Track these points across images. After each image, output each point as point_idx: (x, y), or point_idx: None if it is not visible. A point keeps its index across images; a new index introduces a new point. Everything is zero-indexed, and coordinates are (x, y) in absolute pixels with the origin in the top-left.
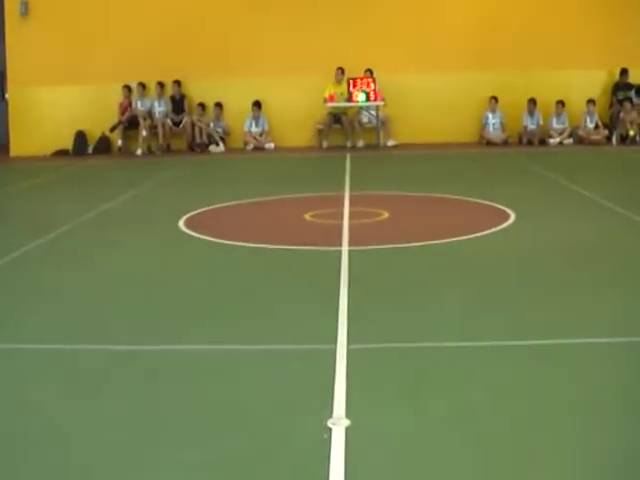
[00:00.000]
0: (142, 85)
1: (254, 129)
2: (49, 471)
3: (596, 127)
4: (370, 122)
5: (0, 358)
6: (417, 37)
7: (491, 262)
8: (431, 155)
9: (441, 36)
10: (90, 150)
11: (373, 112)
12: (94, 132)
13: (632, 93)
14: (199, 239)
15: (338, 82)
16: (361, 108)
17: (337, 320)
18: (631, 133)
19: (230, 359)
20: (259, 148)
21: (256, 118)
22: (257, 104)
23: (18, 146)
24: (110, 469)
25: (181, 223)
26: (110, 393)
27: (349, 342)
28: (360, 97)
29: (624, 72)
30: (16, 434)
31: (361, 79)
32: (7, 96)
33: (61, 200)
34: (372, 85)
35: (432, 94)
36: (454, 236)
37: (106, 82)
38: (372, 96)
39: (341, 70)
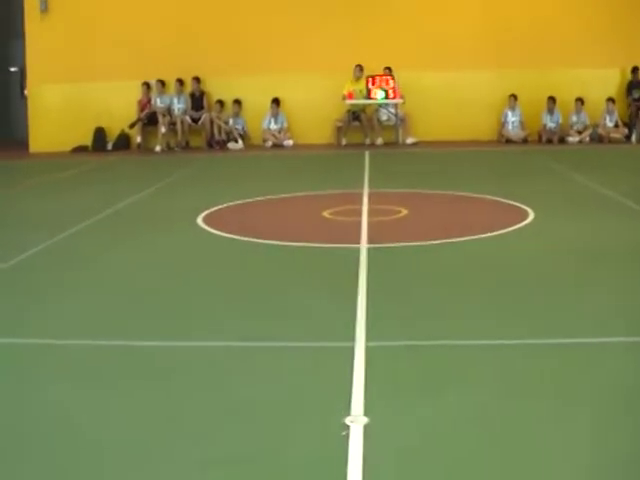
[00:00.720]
0: (161, 82)
1: (273, 126)
2: (65, 465)
3: (616, 125)
4: (389, 120)
5: (21, 353)
6: (436, 35)
7: (510, 260)
8: (450, 153)
9: (460, 34)
10: (109, 147)
11: (392, 110)
12: (113, 129)
13: None
14: (218, 236)
15: (357, 79)
16: (380, 105)
17: (355, 317)
18: None
19: (248, 355)
20: (278, 145)
21: (275, 115)
22: (276, 101)
23: (37, 142)
24: (126, 465)
25: (200, 220)
26: (128, 389)
27: (367, 339)
28: (379, 94)
29: (635, 70)
30: (32, 428)
31: (380, 76)
32: (26, 92)
33: (80, 196)
34: (391, 83)
35: (451, 92)
36: (473, 234)
37: (125, 79)
38: (391, 94)
39: (360, 67)
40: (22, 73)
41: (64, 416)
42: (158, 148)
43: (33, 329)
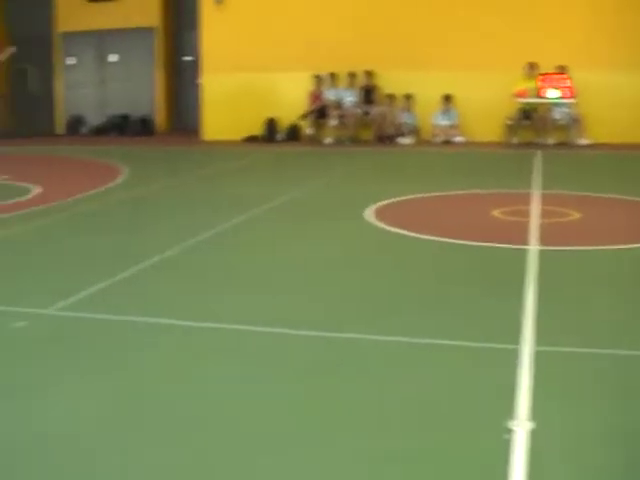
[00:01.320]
0: (333, 75)
1: (443, 122)
2: (215, 453)
3: None
4: (562, 119)
5: (187, 335)
6: (614, 32)
7: None
8: (626, 156)
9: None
10: (280, 137)
11: (565, 109)
12: (284, 120)
13: None
14: (385, 230)
15: (529, 77)
16: (553, 105)
17: (522, 320)
18: None
19: (410, 353)
20: (447, 141)
21: (446, 111)
22: (447, 97)
23: (210, 131)
24: (298, 458)
25: (368, 213)
26: (286, 379)
27: (535, 343)
28: (552, 93)
29: None
30: (183, 412)
31: (553, 75)
32: (200, 82)
33: (251, 185)
34: (565, 82)
35: (630, 92)
36: None
37: (297, 70)
38: (564, 93)
39: (531, 65)
40: (196, 63)
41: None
42: (328, 140)
43: (207, 313)
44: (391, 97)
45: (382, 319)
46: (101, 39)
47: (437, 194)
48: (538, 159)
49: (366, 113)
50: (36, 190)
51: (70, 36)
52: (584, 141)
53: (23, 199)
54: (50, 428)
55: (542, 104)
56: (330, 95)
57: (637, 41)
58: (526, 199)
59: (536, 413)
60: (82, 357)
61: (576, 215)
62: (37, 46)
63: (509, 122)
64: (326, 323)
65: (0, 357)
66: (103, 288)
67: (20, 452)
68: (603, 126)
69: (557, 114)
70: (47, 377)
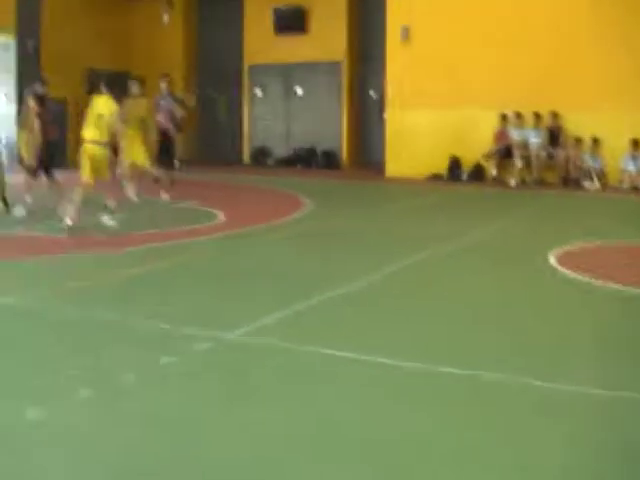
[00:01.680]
0: (518, 114)
1: (631, 168)
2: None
3: None
4: None
5: (345, 366)
6: None
7: None
8: None
9: None
10: (464, 177)
11: None
12: (468, 159)
13: None
14: (567, 276)
15: None
16: None
17: None
18: None
19: (605, 404)
20: (636, 188)
21: (634, 156)
22: (636, 142)
23: (394, 166)
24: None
25: (551, 258)
26: (481, 425)
27: None
28: None
29: None
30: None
31: None
32: (385, 117)
33: (433, 223)
34: None
35: None
36: None
37: (482, 109)
38: None
39: None
40: (381, 98)
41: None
42: (513, 182)
43: (377, 347)
44: (577, 140)
45: (573, 367)
46: (288, 72)
47: (623, 243)
48: None
49: (551, 155)
50: (223, 216)
51: (258, 68)
52: None
53: (212, 224)
54: (239, 449)
55: None
56: (515, 135)
57: None
58: None
59: None
60: (258, 383)
61: None
62: (226, 77)
63: None
64: (494, 364)
65: (178, 379)
66: (287, 316)
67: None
68: None
69: None
70: (219, 402)
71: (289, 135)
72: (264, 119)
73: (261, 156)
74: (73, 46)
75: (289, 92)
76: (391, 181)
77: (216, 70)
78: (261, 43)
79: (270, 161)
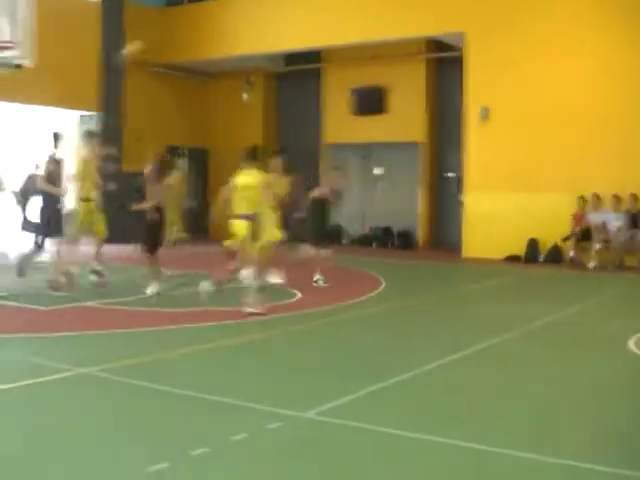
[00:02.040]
0: (597, 197)
1: None
2: None
3: None
4: None
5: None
6: None
7: None
8: None
9: None
10: (541, 258)
11: None
12: (546, 240)
13: None
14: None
15: None
16: None
17: None
18: None
19: None
20: None
21: None
22: None
23: (471, 248)
24: None
25: (630, 343)
26: None
27: None
28: None
29: None
30: None
31: None
32: (462, 198)
33: (509, 305)
34: None
35: None
36: None
37: (561, 191)
38: None
39: None
40: (458, 179)
41: None
42: (591, 264)
43: (467, 433)
44: None
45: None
46: (367, 151)
47: None
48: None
49: (632, 238)
50: (301, 294)
51: (337, 147)
52: None
53: (289, 302)
54: None
55: None
56: (594, 218)
57: None
58: None
59: None
60: (327, 464)
61: None
62: (305, 156)
63: None
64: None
65: (249, 457)
66: (359, 397)
67: None
68: None
69: None
70: None
71: (365, 214)
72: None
73: (337, 235)
74: (153, 124)
75: (367, 171)
76: (468, 262)
77: (295, 149)
78: (340, 123)
79: (346, 240)
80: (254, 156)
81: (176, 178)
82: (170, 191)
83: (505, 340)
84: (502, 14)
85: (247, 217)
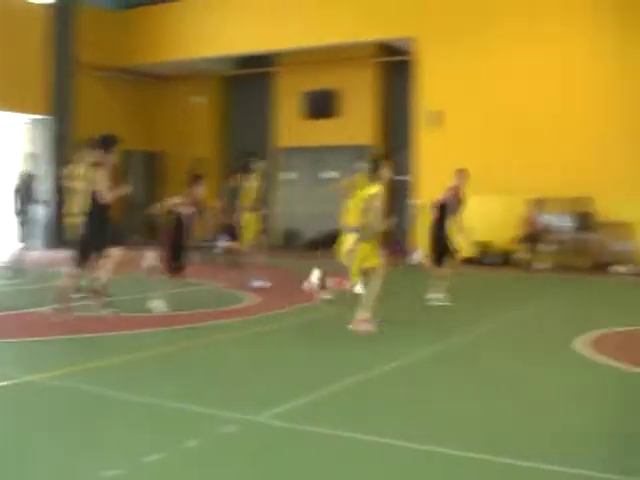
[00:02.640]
0: (547, 200)
1: None
2: None
3: None
4: None
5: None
6: None
7: None
8: None
9: None
10: (491, 261)
11: None
12: (497, 244)
13: None
14: (596, 362)
15: None
16: None
17: None
18: None
19: None
20: None
21: None
22: None
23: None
24: None
25: (579, 344)
26: None
27: None
28: None
29: None
30: None
31: None
32: (413, 201)
33: (458, 310)
34: None
35: None
36: None
37: (511, 194)
38: None
39: None
40: (409, 182)
41: None
42: (541, 266)
43: (414, 433)
44: (608, 224)
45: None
46: (317, 155)
47: None
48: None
49: (581, 240)
50: (251, 298)
51: (288, 151)
52: None
53: (238, 306)
54: None
55: None
56: (544, 220)
57: None
58: None
59: None
60: (283, 467)
61: None
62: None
63: None
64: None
65: (209, 459)
66: (311, 400)
67: None
68: None
69: None
70: None
71: (318, 217)
72: (294, 201)
73: (291, 238)
74: (104, 127)
75: (318, 175)
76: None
77: (246, 152)
78: (291, 126)
79: (300, 242)
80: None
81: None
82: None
83: (448, 347)
84: (453, 18)
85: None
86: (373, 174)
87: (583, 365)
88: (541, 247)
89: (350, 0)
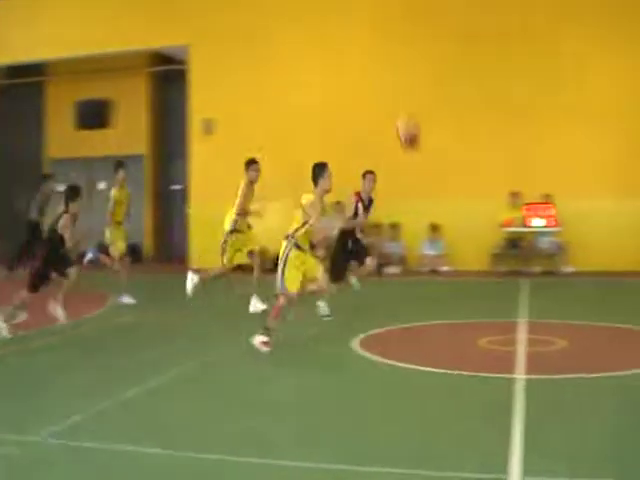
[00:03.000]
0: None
1: (430, 251)
2: None
3: None
4: (547, 248)
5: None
6: (596, 162)
7: None
8: (611, 283)
9: (625, 159)
10: (268, 266)
11: (550, 238)
12: (273, 248)
13: None
14: (371, 360)
15: (513, 207)
16: (538, 233)
17: (510, 449)
18: None
19: None
20: (435, 271)
21: (433, 240)
22: (434, 227)
23: (198, 258)
24: None
25: (355, 343)
26: None
27: (523, 473)
28: (537, 222)
29: None
30: None
31: (538, 204)
32: (188, 209)
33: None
34: (550, 210)
35: (614, 220)
36: (634, 368)
37: (283, 198)
38: (549, 221)
39: (515, 195)
40: (184, 191)
41: None
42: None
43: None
44: (377, 226)
45: (362, 449)
46: (90, 166)
47: (423, 324)
48: (524, 288)
49: None
50: (27, 315)
51: (60, 162)
52: (569, 269)
53: (14, 322)
54: None
55: (528, 233)
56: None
57: (619, 170)
58: (512, 328)
59: None
60: None
61: (562, 343)
62: (27, 171)
63: (496, 251)
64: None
65: None
66: (89, 416)
67: None
68: (586, 253)
69: (542, 243)
70: None
71: (93, 229)
72: None
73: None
74: None
75: (92, 186)
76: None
77: (18, 164)
78: (63, 137)
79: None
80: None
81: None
82: None
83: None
84: (227, 27)
85: None
86: None
87: (358, 363)
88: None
89: (125, 7)
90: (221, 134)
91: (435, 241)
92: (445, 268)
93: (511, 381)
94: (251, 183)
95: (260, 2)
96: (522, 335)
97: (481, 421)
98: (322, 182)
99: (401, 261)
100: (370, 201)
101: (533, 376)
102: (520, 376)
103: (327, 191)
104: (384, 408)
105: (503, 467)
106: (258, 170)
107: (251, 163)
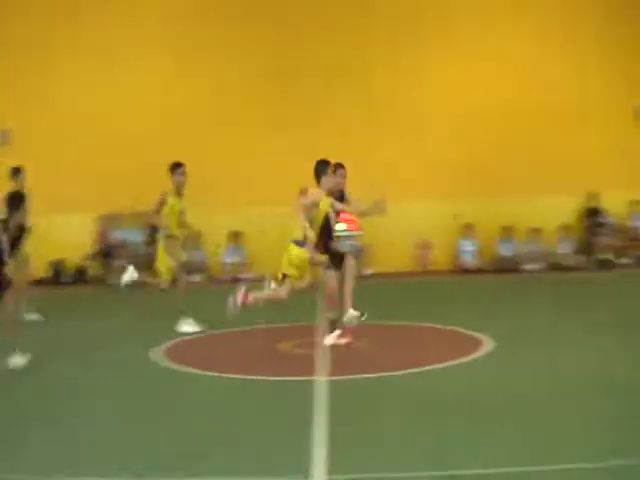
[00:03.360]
0: (118, 215)
1: (231, 259)
2: None
3: (571, 252)
4: (350, 252)
5: None
6: (391, 165)
7: (464, 390)
8: (407, 283)
9: (415, 164)
10: (66, 279)
11: (351, 241)
12: (71, 261)
13: (601, 218)
14: (171, 369)
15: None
16: (339, 237)
17: (311, 451)
18: (606, 257)
19: None
20: (237, 279)
21: (234, 248)
22: (235, 234)
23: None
24: None
25: (156, 352)
26: None
27: (326, 473)
28: (338, 227)
29: (593, 197)
30: None
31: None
32: None
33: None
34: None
35: (408, 222)
36: (429, 364)
37: (82, 211)
38: (350, 226)
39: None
40: None
41: None
42: (117, 281)
43: None
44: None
45: (169, 461)
46: None
47: (221, 331)
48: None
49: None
50: None
51: None
52: (367, 271)
53: None
54: None
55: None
56: (116, 235)
57: (412, 174)
58: (310, 331)
59: None
60: None
61: (360, 343)
62: None
63: None
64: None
65: None
66: None
67: None
68: (388, 255)
69: (344, 247)
70: None
71: None
72: None
73: None
74: None
75: None
76: None
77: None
78: None
79: None
80: None
81: None
82: None
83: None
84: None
85: None
86: None
87: (156, 372)
88: (114, 262)
89: None
90: (18, 145)
91: (236, 249)
92: (247, 275)
93: (311, 383)
94: (177, 190)
95: (36, 7)
96: (321, 338)
97: (282, 425)
98: (325, 180)
99: (203, 269)
100: None
101: (332, 377)
102: (320, 378)
103: (330, 189)
104: (172, 414)
105: (306, 469)
106: (184, 174)
107: (176, 167)
